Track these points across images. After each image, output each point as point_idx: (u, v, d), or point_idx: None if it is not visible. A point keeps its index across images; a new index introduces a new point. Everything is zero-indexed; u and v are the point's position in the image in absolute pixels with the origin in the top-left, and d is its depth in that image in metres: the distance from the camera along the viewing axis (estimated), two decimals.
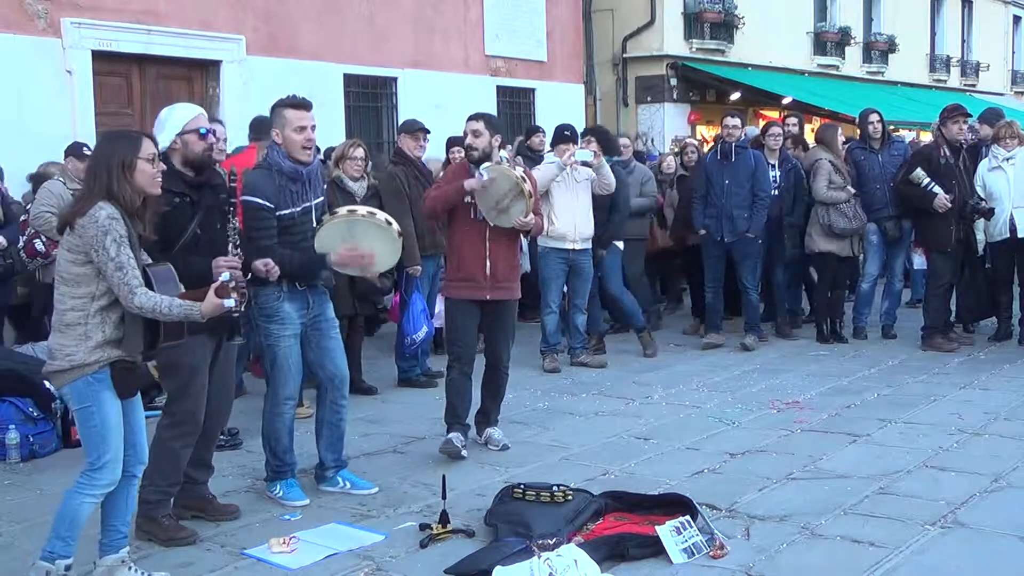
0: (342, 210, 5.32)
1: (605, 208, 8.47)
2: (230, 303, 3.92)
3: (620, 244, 8.98)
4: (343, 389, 5.40)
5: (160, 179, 4.11)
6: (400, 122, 10.24)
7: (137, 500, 4.76)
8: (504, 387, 6.33)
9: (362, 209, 5.44)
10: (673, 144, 15.45)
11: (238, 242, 4.64)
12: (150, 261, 4.15)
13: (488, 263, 5.92)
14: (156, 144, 4.14)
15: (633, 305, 9.01)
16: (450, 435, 5.92)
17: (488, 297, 5.97)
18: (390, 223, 5.29)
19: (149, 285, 3.96)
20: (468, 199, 5.90)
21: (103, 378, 3.94)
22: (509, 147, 6.20)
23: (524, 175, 5.92)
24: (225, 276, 4.00)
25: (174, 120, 4.67)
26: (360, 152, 7.44)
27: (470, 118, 6.09)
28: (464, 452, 5.89)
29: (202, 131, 4.66)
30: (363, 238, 5.17)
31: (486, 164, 5.86)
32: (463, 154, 7.40)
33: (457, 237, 6.02)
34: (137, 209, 4.00)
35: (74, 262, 3.92)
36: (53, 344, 3.99)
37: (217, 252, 4.59)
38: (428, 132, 8.14)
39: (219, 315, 3.98)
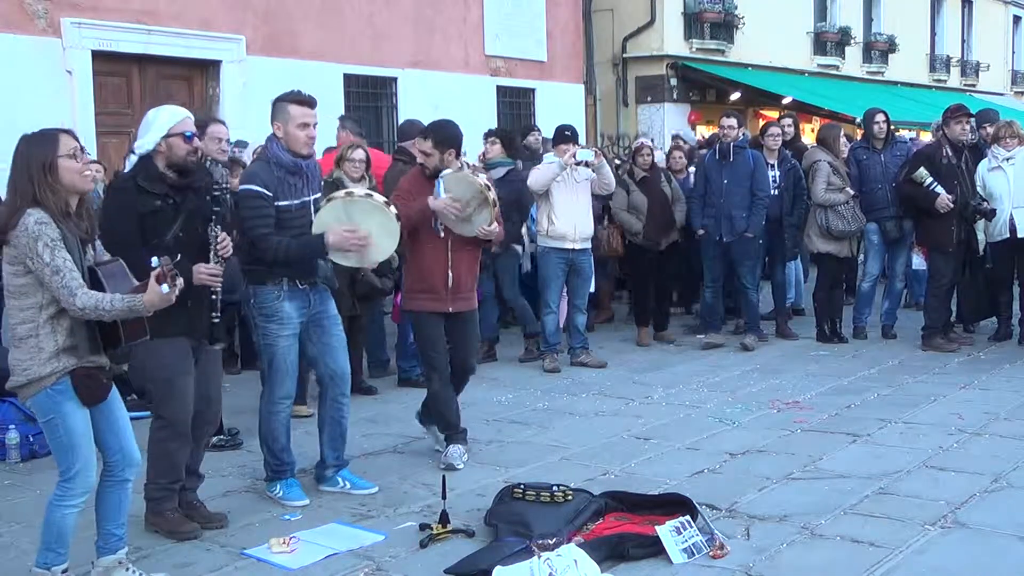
0: (340, 192, 5.33)
1: (515, 210, 8.27)
2: (165, 289, 3.78)
3: (519, 248, 8.96)
4: (343, 386, 5.39)
5: (89, 173, 4.03)
6: (400, 122, 10.24)
7: (144, 497, 4.78)
8: (462, 389, 6.22)
9: (360, 191, 5.46)
10: (673, 143, 15.45)
11: (219, 249, 4.59)
12: (106, 258, 4.09)
13: (450, 275, 5.78)
14: (76, 137, 4.02)
15: (526, 310, 8.82)
16: (450, 448, 5.84)
17: (450, 309, 5.86)
18: (388, 204, 5.28)
19: (98, 284, 3.88)
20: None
21: (63, 389, 3.88)
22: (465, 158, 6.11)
23: (488, 183, 5.79)
24: (154, 261, 3.88)
25: (160, 122, 4.63)
26: (360, 154, 7.47)
27: (420, 134, 5.98)
28: (466, 458, 5.85)
29: (187, 134, 4.62)
30: (361, 219, 5.16)
31: (447, 171, 5.71)
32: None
33: (418, 248, 5.83)
34: (71, 209, 3.90)
35: (15, 274, 3.85)
36: (11, 360, 3.93)
37: (198, 256, 4.57)
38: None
39: (165, 306, 3.84)
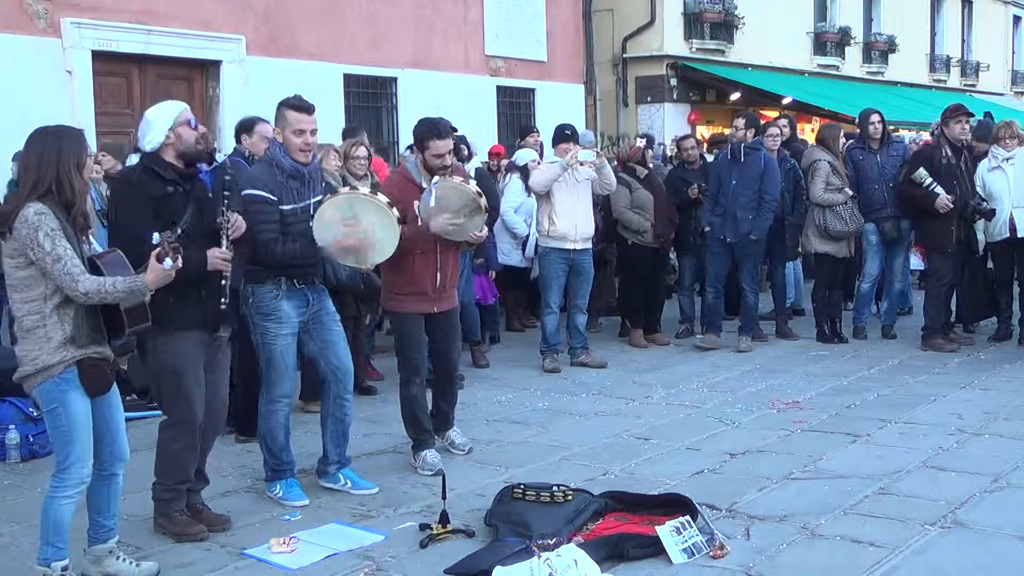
0: (344, 188, 5.38)
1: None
2: (167, 264, 3.88)
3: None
4: (346, 383, 5.38)
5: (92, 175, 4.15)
6: (399, 122, 10.23)
7: (152, 498, 4.79)
8: (458, 391, 6.26)
9: (364, 188, 5.50)
10: (673, 144, 15.47)
11: (231, 232, 4.61)
12: (98, 251, 4.14)
13: (439, 276, 5.80)
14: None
15: (475, 318, 8.70)
16: (425, 454, 5.79)
17: (436, 310, 5.85)
18: (391, 206, 5.28)
19: (98, 274, 3.92)
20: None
21: (70, 378, 3.94)
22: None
23: (479, 190, 5.78)
24: (155, 238, 3.97)
25: (164, 116, 4.65)
26: (362, 151, 7.57)
27: (437, 135, 5.77)
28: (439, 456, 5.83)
29: (192, 122, 4.67)
30: (363, 217, 5.17)
31: (435, 179, 5.66)
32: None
33: (407, 252, 5.69)
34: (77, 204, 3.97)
35: (17, 266, 3.91)
36: (19, 351, 4.00)
37: (208, 243, 4.57)
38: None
39: (165, 281, 3.96)
